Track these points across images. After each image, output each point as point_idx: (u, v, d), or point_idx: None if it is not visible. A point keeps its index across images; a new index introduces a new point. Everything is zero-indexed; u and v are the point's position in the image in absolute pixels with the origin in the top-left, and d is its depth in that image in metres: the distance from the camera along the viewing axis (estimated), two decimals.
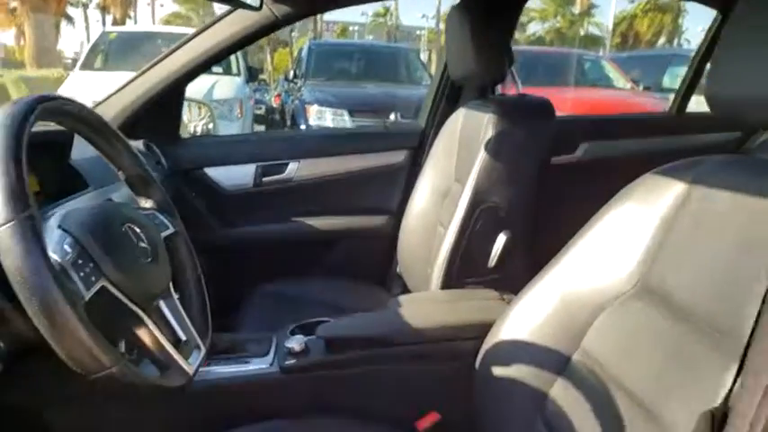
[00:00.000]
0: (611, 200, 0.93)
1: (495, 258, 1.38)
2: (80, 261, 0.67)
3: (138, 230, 0.77)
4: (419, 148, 1.92)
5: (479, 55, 1.43)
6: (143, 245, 0.77)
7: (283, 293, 1.63)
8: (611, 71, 7.11)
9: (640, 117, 2.42)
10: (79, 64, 5.93)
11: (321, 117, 5.57)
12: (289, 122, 6.69)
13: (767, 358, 0.48)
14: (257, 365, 1.11)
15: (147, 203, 0.92)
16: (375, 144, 1.96)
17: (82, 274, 0.66)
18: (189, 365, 0.78)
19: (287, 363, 1.10)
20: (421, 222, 1.65)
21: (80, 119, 0.80)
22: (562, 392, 0.88)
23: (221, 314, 1.00)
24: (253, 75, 6.66)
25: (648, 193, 0.87)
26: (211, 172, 1.83)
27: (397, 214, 1.82)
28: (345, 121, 5.50)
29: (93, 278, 0.67)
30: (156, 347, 0.74)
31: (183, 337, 0.81)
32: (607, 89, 6.67)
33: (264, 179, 1.86)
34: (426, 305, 1.33)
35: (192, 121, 4.72)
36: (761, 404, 0.48)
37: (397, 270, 1.79)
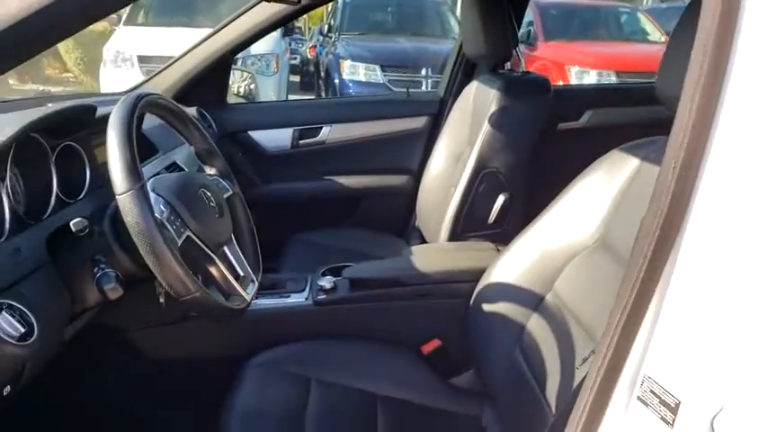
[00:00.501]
0: (585, 170, 1.10)
1: (495, 216, 1.58)
2: (172, 217, 0.91)
3: (209, 194, 1.01)
4: (438, 115, 2.05)
5: (488, 38, 1.59)
6: (212, 204, 1.01)
7: (317, 242, 1.87)
8: (647, 24, 6.93)
9: (643, 85, 2.44)
10: (123, 19, 6.09)
11: (354, 71, 5.74)
12: (323, 75, 6.82)
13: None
14: (295, 299, 1.36)
15: (211, 171, 1.15)
16: (399, 110, 2.11)
17: (174, 227, 0.90)
18: (247, 294, 1.03)
19: (319, 298, 1.35)
20: (437, 182, 1.82)
21: (166, 109, 1.03)
22: (535, 326, 1.09)
23: (264, 259, 1.20)
24: (289, 28, 6.72)
25: (611, 166, 1.05)
26: (255, 135, 2.02)
27: (417, 174, 1.99)
28: (378, 75, 5.66)
29: (182, 230, 0.91)
30: (223, 280, 0.99)
31: (242, 273, 1.06)
32: (640, 43, 6.52)
33: (301, 142, 2.05)
34: (433, 253, 1.54)
35: (236, 83, 4.97)
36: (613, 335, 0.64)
37: (416, 224, 1.98)
